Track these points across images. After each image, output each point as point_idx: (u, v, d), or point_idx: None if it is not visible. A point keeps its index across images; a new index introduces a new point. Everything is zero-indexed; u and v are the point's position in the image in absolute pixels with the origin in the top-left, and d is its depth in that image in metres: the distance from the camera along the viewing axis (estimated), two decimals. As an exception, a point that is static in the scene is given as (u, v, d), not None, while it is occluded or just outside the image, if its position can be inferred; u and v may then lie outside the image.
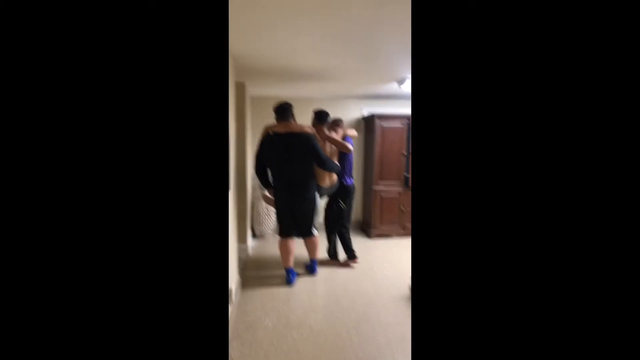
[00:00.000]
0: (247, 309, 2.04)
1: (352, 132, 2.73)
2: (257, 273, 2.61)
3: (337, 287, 2.34)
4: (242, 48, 1.87)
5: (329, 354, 1.62)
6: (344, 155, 2.59)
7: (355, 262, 2.75)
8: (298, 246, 2.53)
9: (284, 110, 2.30)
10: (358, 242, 3.35)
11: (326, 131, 2.57)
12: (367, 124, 3.66)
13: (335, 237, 2.75)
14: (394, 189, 3.48)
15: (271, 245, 3.20)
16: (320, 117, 2.59)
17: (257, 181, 3.39)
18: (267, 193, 2.50)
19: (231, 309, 1.87)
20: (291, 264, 2.43)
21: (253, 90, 3.21)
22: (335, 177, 2.60)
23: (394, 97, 3.57)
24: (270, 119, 2.41)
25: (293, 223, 2.39)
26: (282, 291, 2.28)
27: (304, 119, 2.83)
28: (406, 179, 3.48)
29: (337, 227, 2.70)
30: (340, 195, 2.65)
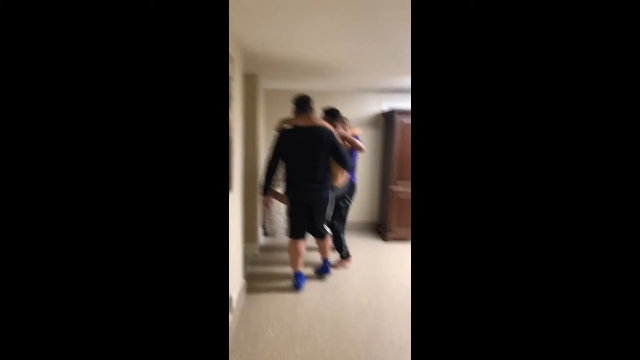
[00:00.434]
0: (250, 316, 1.92)
1: (357, 130, 2.63)
2: (265, 272, 2.49)
3: (347, 296, 2.19)
4: (254, 38, 1.72)
5: (333, 375, 1.48)
6: (350, 153, 2.48)
7: (349, 261, 2.67)
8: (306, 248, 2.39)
9: (304, 103, 2.16)
10: (373, 245, 3.17)
11: (340, 128, 2.41)
12: (387, 119, 3.43)
13: (344, 235, 2.68)
14: (413, 190, 3.26)
15: (282, 244, 3.08)
16: (332, 114, 2.46)
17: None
18: (271, 195, 2.37)
19: (232, 318, 1.76)
20: (301, 267, 2.29)
21: (267, 82, 3.06)
22: (347, 175, 2.46)
23: (417, 92, 3.32)
24: (285, 112, 2.25)
25: (307, 223, 2.24)
26: (288, 297, 2.15)
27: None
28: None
29: (344, 225, 2.66)
30: (348, 194, 2.60)
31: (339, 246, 2.64)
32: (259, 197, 2.89)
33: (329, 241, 2.40)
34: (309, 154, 2.08)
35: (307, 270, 2.49)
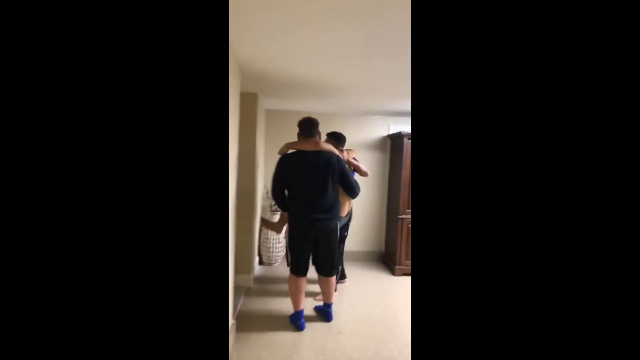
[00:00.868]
0: (237, 366, 1.63)
1: (353, 152, 2.45)
2: (259, 309, 2.20)
3: (352, 343, 1.89)
4: (254, 55, 1.59)
5: None
6: None
7: (344, 282, 2.60)
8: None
9: (310, 126, 1.99)
10: (380, 279, 2.88)
11: (346, 154, 2.24)
12: (394, 143, 3.26)
13: (342, 265, 2.47)
14: (423, 219, 3.02)
15: (280, 274, 2.81)
16: (337, 138, 2.30)
17: (268, 202, 3.08)
18: (273, 217, 2.13)
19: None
20: (302, 305, 2.02)
21: (268, 102, 2.92)
22: (351, 203, 2.24)
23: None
24: (287, 134, 2.07)
25: (312, 257, 1.99)
26: (285, 341, 1.86)
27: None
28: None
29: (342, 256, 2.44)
30: (348, 221, 2.41)
31: (342, 272, 2.43)
32: (256, 224, 2.66)
33: (334, 282, 2.10)
34: (316, 181, 1.88)
35: (307, 302, 2.20)
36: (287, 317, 2.10)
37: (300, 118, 2.06)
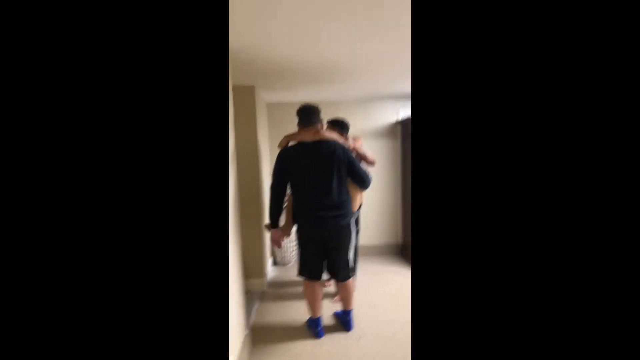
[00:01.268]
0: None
1: (360, 141, 2.20)
2: (275, 313, 2.09)
3: (376, 351, 1.75)
4: (247, 41, 1.41)
5: None
6: None
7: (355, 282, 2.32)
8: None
9: (310, 114, 1.78)
10: (400, 275, 2.72)
11: (351, 142, 2.05)
12: (405, 128, 3.05)
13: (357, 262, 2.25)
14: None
15: (294, 275, 2.68)
16: (340, 126, 2.08)
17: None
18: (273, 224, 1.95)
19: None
20: (320, 311, 1.88)
21: (269, 96, 2.75)
22: (362, 196, 2.07)
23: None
24: (292, 128, 1.89)
25: (324, 261, 1.82)
26: (302, 348, 1.74)
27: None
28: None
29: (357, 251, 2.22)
30: (358, 215, 2.19)
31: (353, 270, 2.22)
32: (265, 229, 2.53)
33: (354, 286, 1.92)
34: (321, 175, 1.70)
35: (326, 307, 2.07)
36: (304, 322, 1.97)
37: None
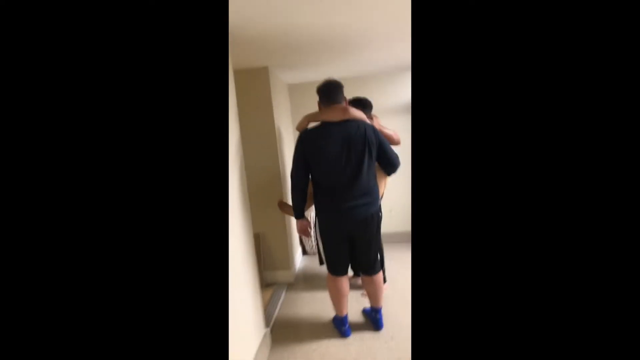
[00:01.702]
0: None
1: (378, 120, 1.91)
2: (301, 307, 1.98)
3: (409, 354, 1.55)
4: (254, 20, 1.23)
5: None
6: None
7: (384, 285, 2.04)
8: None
9: (333, 90, 1.56)
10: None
11: (376, 122, 1.79)
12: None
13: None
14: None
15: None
16: (363, 105, 1.83)
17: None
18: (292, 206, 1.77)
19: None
20: (346, 309, 1.71)
21: (288, 76, 2.56)
22: (387, 181, 1.82)
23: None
24: (315, 108, 1.69)
25: (350, 254, 1.62)
26: (327, 348, 1.60)
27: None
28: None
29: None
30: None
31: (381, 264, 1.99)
32: (288, 217, 2.40)
33: (382, 278, 1.71)
34: (350, 159, 1.47)
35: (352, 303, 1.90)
36: (330, 319, 1.83)
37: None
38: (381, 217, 1.63)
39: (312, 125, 1.61)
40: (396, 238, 2.89)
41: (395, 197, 2.80)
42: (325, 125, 1.53)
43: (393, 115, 2.76)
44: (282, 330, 1.80)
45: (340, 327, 1.71)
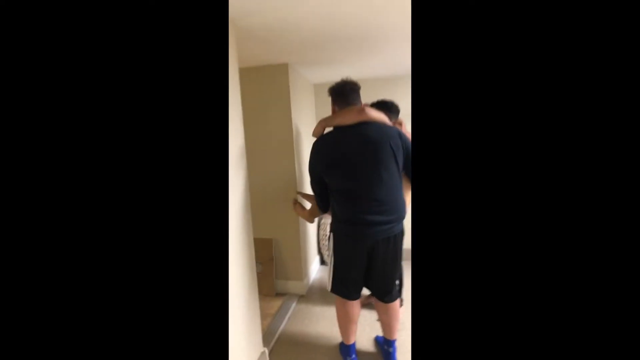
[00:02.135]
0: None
1: (403, 126, 1.65)
2: (310, 321, 1.81)
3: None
4: (271, 16, 1.10)
5: None
6: None
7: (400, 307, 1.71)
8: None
9: (347, 91, 1.38)
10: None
11: (404, 128, 1.57)
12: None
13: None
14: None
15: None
16: (389, 109, 1.63)
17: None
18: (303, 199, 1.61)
19: None
20: (354, 337, 1.50)
21: (314, 75, 2.42)
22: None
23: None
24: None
25: (365, 275, 1.40)
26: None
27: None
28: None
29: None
30: None
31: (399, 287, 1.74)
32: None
33: (399, 308, 1.47)
34: (365, 165, 1.27)
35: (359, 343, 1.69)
36: (339, 342, 1.64)
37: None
38: (403, 234, 1.40)
39: (327, 130, 1.44)
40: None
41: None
42: (339, 130, 1.35)
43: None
44: (283, 349, 1.65)
45: (345, 356, 1.51)
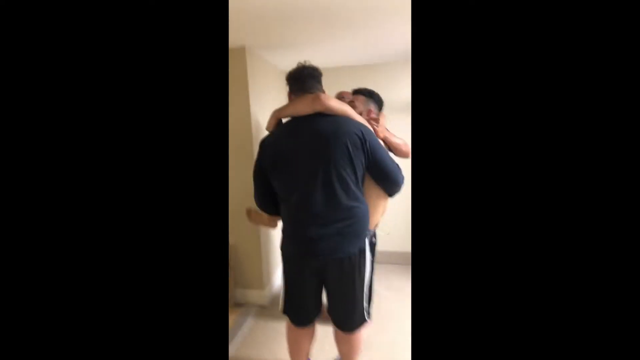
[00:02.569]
0: None
1: (383, 119, 1.41)
2: (266, 339, 1.62)
3: None
4: None
5: None
6: None
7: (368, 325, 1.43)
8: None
9: (305, 77, 1.15)
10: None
11: (381, 123, 1.35)
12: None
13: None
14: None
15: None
16: (373, 99, 1.43)
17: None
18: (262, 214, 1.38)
19: None
20: None
21: (280, 60, 2.15)
22: (387, 204, 1.36)
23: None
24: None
25: (319, 300, 1.23)
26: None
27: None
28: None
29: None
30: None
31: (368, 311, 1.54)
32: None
33: (361, 338, 1.27)
34: (316, 167, 1.04)
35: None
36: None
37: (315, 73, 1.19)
38: (374, 256, 1.19)
39: (284, 121, 1.21)
40: (394, 259, 2.48)
41: (396, 211, 2.36)
42: (292, 122, 1.13)
43: (397, 114, 2.26)
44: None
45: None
